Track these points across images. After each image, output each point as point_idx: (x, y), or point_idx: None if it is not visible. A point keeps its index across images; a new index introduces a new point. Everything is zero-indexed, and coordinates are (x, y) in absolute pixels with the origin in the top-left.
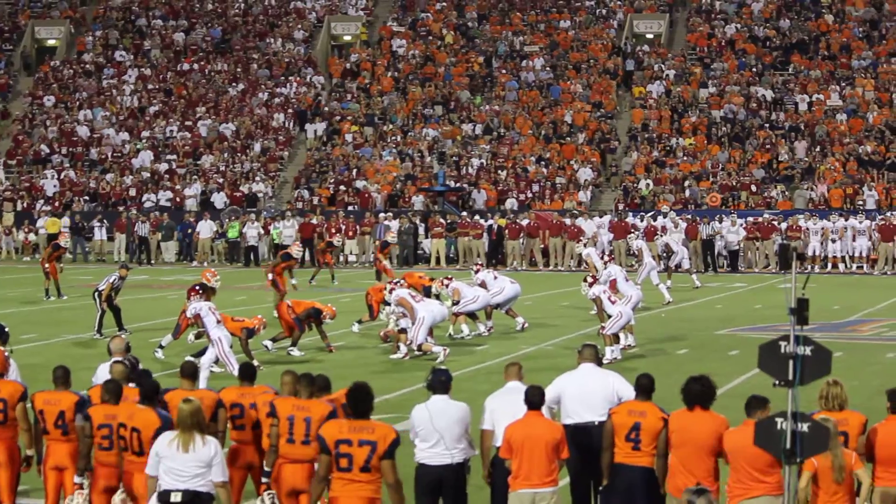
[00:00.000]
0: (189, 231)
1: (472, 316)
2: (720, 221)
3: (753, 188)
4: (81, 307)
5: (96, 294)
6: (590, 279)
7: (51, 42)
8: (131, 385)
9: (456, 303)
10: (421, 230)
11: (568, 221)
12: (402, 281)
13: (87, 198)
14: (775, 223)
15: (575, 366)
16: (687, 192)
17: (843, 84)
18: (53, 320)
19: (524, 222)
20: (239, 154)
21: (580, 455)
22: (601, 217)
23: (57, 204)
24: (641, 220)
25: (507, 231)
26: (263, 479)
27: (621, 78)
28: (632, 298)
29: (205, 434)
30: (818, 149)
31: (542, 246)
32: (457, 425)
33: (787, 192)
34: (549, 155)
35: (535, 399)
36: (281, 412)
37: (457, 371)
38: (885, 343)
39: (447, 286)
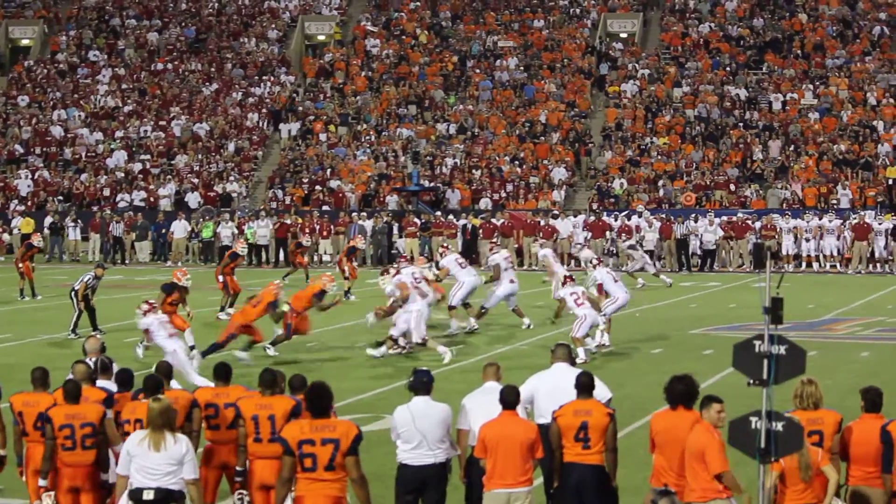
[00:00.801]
0: (163, 231)
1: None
2: (696, 221)
3: (732, 188)
4: (56, 307)
5: (72, 294)
6: (563, 279)
7: (24, 42)
8: (98, 385)
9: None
10: (395, 230)
11: (542, 221)
12: (404, 265)
13: (60, 198)
14: (749, 222)
15: (548, 365)
16: (661, 192)
17: (817, 83)
18: (28, 320)
19: (498, 222)
20: (213, 154)
21: (554, 455)
22: (575, 217)
23: (30, 203)
24: (616, 220)
25: (481, 231)
26: (237, 479)
27: (595, 78)
28: (618, 300)
29: (175, 432)
30: (792, 148)
31: (517, 246)
32: (439, 426)
33: (761, 192)
34: (524, 154)
35: (510, 399)
36: (245, 412)
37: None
38: (859, 342)
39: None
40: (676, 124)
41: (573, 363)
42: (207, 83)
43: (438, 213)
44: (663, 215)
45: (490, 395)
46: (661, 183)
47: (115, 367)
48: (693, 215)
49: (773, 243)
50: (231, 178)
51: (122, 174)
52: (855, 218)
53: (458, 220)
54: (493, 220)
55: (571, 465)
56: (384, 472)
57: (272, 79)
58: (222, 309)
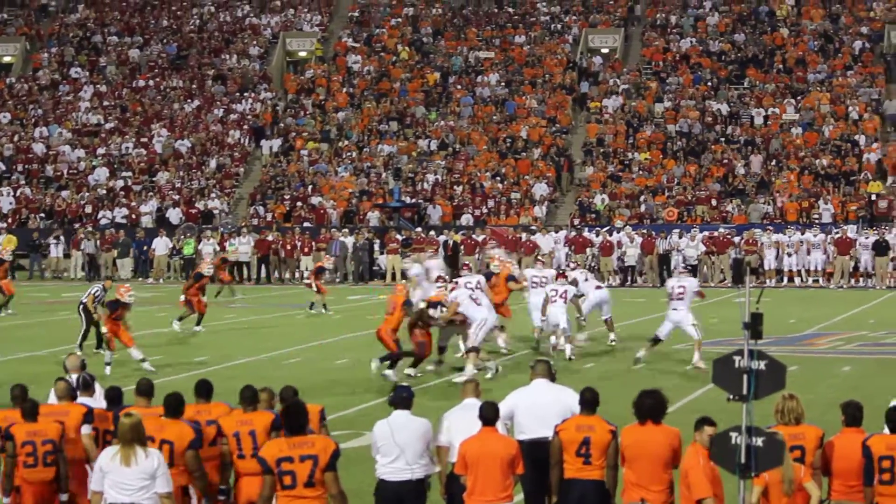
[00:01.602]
0: (145, 248)
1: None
2: (680, 236)
3: (714, 203)
4: (38, 324)
5: (80, 307)
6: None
7: (6, 59)
8: (78, 402)
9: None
10: (376, 246)
11: (524, 237)
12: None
13: (42, 215)
14: (731, 237)
15: (528, 382)
16: (643, 207)
17: (799, 98)
18: (10, 338)
19: (480, 238)
20: (194, 170)
21: (535, 470)
22: (557, 232)
23: (11, 221)
24: (597, 236)
25: (462, 246)
26: (220, 497)
27: (577, 93)
28: (587, 297)
29: (146, 447)
30: (774, 162)
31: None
32: (418, 441)
33: (742, 206)
34: (505, 170)
35: (489, 415)
36: (227, 430)
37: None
38: (840, 357)
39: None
40: (658, 140)
41: (553, 379)
42: (189, 100)
43: (419, 229)
44: (645, 231)
45: (470, 411)
46: (642, 198)
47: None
48: (676, 230)
49: (754, 258)
50: (212, 194)
51: (104, 191)
52: (837, 232)
53: (439, 237)
54: (475, 236)
55: (573, 481)
56: (362, 490)
57: (254, 95)
58: (180, 319)
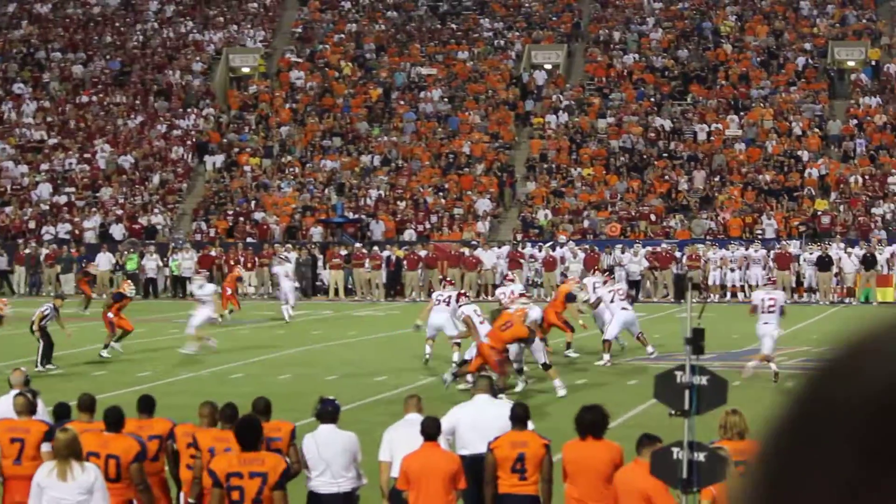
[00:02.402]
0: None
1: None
2: (623, 252)
3: (653, 217)
4: None
5: (31, 326)
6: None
7: None
8: (34, 418)
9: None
10: (319, 262)
11: (466, 252)
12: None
13: None
14: (674, 253)
15: (469, 397)
16: (586, 223)
17: (742, 113)
18: None
19: (423, 253)
20: (138, 186)
21: (477, 485)
22: (500, 248)
23: None
24: (540, 251)
25: (405, 262)
26: None
27: (520, 108)
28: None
29: (83, 461)
30: (717, 178)
31: (441, 277)
32: (343, 455)
33: (685, 222)
34: (448, 186)
35: (431, 430)
36: (203, 444)
37: (355, 402)
38: (783, 372)
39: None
40: (601, 155)
41: (495, 395)
42: (132, 115)
43: (358, 244)
44: (587, 246)
45: (412, 426)
46: (585, 214)
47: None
48: (618, 246)
49: (697, 273)
50: (156, 210)
51: (48, 207)
52: (778, 248)
53: (382, 252)
54: (418, 252)
55: (507, 497)
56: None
57: (197, 111)
58: (106, 346)
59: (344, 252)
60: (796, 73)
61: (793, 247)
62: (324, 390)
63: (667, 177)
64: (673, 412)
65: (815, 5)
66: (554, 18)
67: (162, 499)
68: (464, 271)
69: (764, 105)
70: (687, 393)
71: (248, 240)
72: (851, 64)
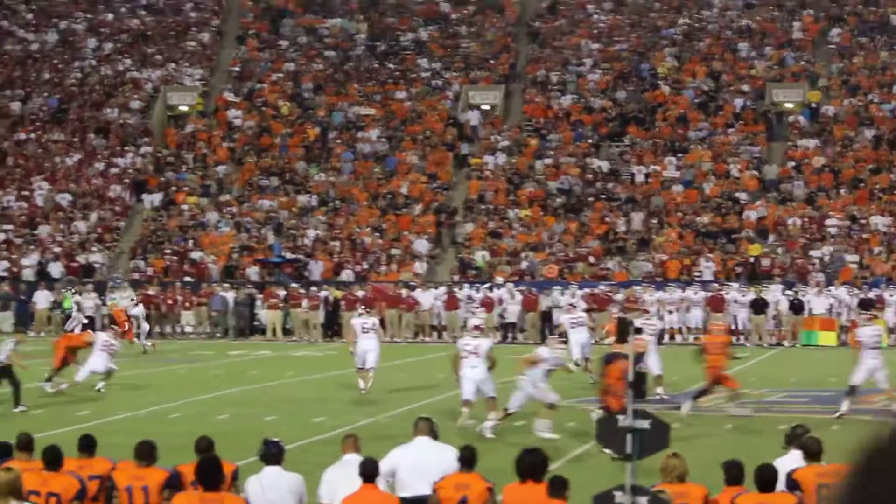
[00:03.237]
0: (23, 301)
1: None
2: (561, 294)
3: (592, 259)
4: None
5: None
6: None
7: None
8: None
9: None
10: (257, 301)
11: (404, 293)
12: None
13: None
14: (612, 295)
15: (409, 437)
16: (523, 264)
17: (680, 155)
18: None
19: (360, 293)
20: (75, 224)
21: None
22: (437, 288)
23: None
24: (478, 292)
25: (343, 302)
26: None
27: (458, 149)
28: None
29: (23, 501)
30: (655, 220)
31: (379, 317)
32: (289, 496)
33: (623, 264)
34: (385, 226)
35: (369, 471)
36: (119, 483)
37: (294, 443)
38: (722, 415)
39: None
40: (538, 196)
41: (435, 437)
42: (70, 153)
43: (294, 284)
44: (525, 287)
45: (349, 467)
46: (523, 255)
47: None
48: (556, 287)
49: (636, 315)
50: (93, 248)
51: None
52: (710, 291)
53: (320, 292)
54: (355, 292)
55: None
56: None
57: (134, 149)
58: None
59: (282, 292)
60: (734, 114)
61: (732, 289)
62: (263, 430)
63: (605, 218)
64: (615, 455)
65: (753, 47)
66: (491, 59)
67: None
68: (401, 312)
69: (702, 147)
70: (629, 437)
71: (186, 279)
72: (790, 106)
